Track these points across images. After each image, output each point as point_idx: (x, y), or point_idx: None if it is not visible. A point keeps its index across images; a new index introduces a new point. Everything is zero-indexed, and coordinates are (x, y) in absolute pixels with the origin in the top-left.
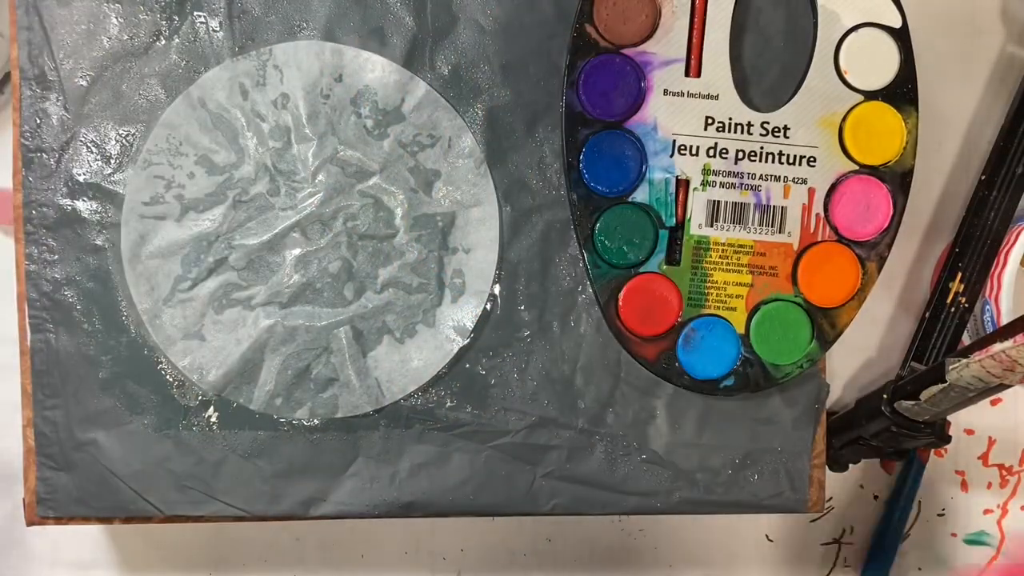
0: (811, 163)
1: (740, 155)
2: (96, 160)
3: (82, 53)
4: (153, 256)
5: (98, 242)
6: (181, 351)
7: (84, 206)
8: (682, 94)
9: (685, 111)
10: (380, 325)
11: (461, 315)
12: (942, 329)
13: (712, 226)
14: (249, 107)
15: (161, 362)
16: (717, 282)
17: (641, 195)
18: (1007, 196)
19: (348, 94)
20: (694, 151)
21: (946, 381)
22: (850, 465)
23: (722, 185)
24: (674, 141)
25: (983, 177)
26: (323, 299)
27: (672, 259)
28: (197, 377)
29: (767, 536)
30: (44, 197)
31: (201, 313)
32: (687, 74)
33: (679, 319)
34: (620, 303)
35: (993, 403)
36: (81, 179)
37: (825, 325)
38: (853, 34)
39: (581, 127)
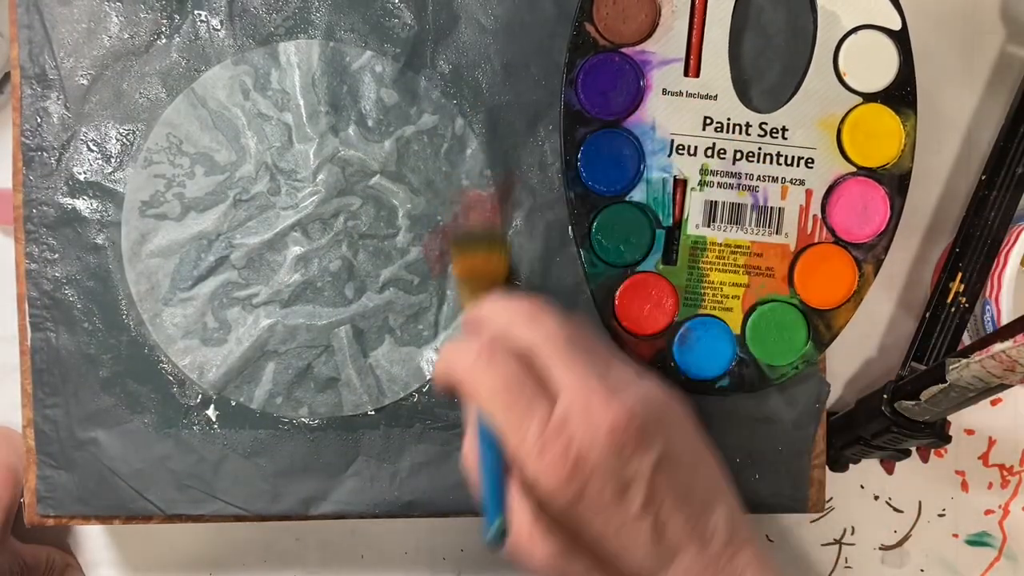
0: (809, 164)
1: (738, 155)
2: (97, 159)
3: (83, 52)
4: (153, 255)
5: (98, 241)
6: (181, 350)
7: (84, 205)
8: (681, 94)
9: (683, 111)
10: (381, 324)
11: (462, 314)
12: (942, 329)
13: (709, 226)
14: (250, 106)
15: (161, 361)
16: (713, 282)
17: (639, 194)
18: (1007, 196)
19: (349, 93)
20: (692, 151)
21: (946, 381)
22: (850, 465)
23: (720, 185)
24: (672, 141)
25: (983, 177)
26: (324, 298)
27: (669, 259)
28: (197, 376)
29: (767, 536)
30: (44, 196)
31: (201, 312)
32: (686, 74)
33: (675, 319)
34: (616, 302)
35: (993, 403)
36: (82, 178)
37: (821, 327)
38: (853, 36)
39: (579, 126)
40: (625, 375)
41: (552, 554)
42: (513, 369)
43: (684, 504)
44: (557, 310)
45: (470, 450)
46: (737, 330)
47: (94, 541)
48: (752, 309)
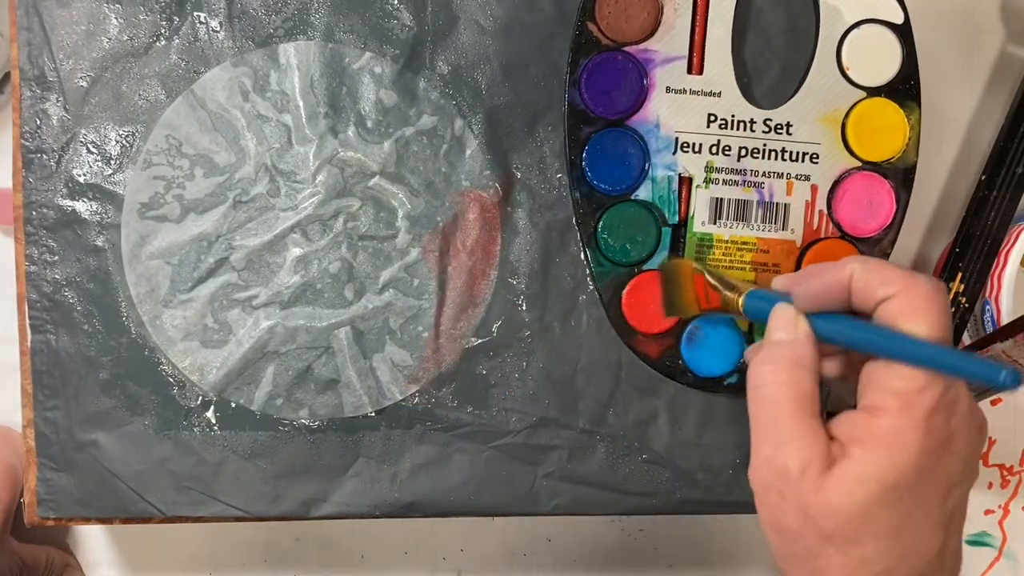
0: (814, 160)
1: (743, 152)
2: (96, 161)
3: (82, 54)
4: (153, 257)
5: (98, 243)
6: (181, 352)
7: (84, 207)
8: (684, 91)
9: (687, 108)
10: (381, 325)
11: (461, 315)
12: None
13: (715, 223)
14: (249, 108)
15: (161, 363)
16: None
17: (644, 193)
18: (1007, 196)
19: (348, 95)
20: (697, 148)
21: None
22: None
23: (725, 182)
24: (676, 139)
25: (983, 177)
26: (324, 300)
27: (675, 256)
28: (197, 378)
29: None
30: (44, 198)
31: (201, 314)
32: (689, 71)
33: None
34: (623, 301)
35: (993, 403)
36: (81, 180)
37: None
38: (855, 30)
39: (583, 125)
40: None
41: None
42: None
43: (960, 529)
44: None
45: (785, 361)
46: (745, 327)
47: (94, 541)
48: None
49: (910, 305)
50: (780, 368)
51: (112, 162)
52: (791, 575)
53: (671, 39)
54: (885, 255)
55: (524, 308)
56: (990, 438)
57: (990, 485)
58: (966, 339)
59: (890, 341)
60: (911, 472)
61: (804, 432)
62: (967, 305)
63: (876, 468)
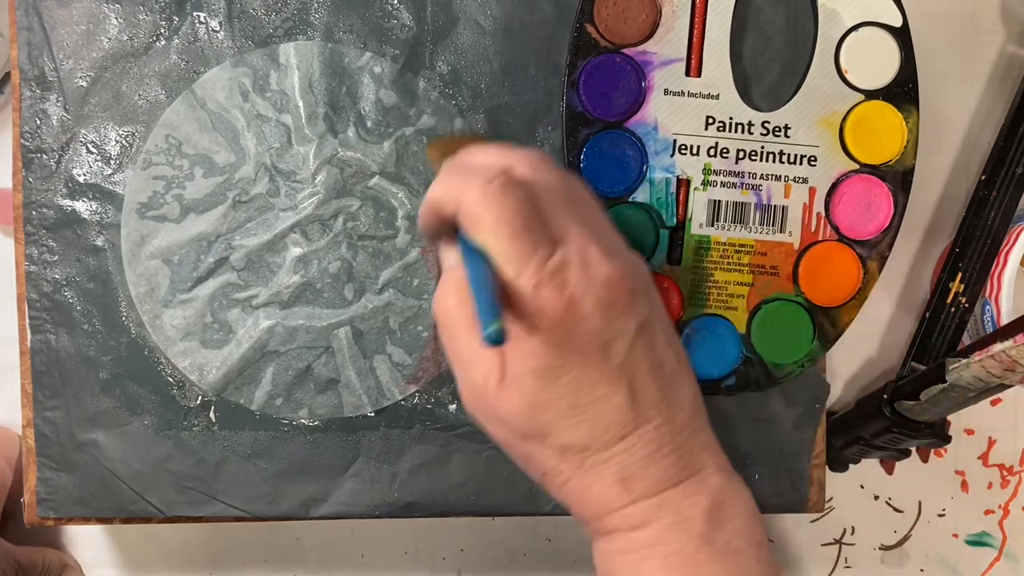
0: (812, 162)
1: (741, 155)
2: (96, 161)
3: (82, 54)
4: (153, 256)
5: (98, 243)
6: (181, 352)
7: (84, 207)
8: (683, 94)
9: (686, 111)
10: (381, 326)
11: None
12: (942, 329)
13: (713, 226)
14: (249, 107)
15: (161, 363)
16: (718, 281)
17: (642, 195)
18: (1007, 196)
19: (348, 95)
20: (695, 151)
21: (946, 381)
22: (850, 465)
23: (723, 185)
24: (675, 141)
25: (983, 177)
26: (323, 300)
27: (673, 258)
28: (197, 377)
29: (767, 536)
30: (44, 198)
31: (201, 314)
32: (687, 74)
33: (680, 318)
34: None
35: (993, 403)
36: (81, 180)
37: (826, 324)
38: (854, 33)
39: (582, 127)
40: (618, 242)
41: (533, 391)
42: (525, 202)
43: (656, 374)
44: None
45: (451, 287)
46: (743, 329)
47: (94, 541)
48: (757, 308)
49: (468, 217)
50: (445, 295)
51: (112, 162)
52: (539, 483)
53: (669, 41)
54: (883, 258)
55: None
56: (990, 438)
57: (990, 485)
58: (966, 339)
59: (464, 254)
60: (546, 352)
61: (477, 348)
62: (967, 305)
63: (520, 362)
